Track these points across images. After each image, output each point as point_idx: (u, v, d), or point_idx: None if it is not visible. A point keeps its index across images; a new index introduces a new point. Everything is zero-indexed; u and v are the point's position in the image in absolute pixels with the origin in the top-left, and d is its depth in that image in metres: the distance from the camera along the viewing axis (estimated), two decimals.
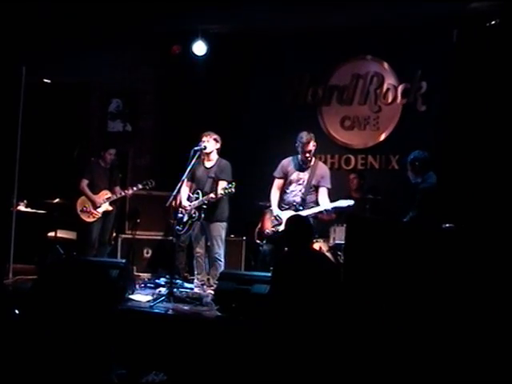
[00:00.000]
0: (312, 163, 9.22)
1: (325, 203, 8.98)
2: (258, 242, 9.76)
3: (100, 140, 12.33)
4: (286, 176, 9.26)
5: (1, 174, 10.56)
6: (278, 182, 9.33)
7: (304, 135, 9.09)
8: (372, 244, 6.35)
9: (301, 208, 8.98)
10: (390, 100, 11.26)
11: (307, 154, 9.10)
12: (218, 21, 11.38)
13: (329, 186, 9.12)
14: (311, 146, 9.09)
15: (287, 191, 9.21)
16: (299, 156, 9.17)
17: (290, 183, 9.20)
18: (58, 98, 12.51)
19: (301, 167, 9.20)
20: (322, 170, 9.26)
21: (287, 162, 9.31)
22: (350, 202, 8.96)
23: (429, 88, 10.87)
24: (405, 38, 10.74)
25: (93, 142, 12.50)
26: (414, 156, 8.68)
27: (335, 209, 9.15)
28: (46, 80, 12.45)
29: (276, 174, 9.35)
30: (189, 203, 9.40)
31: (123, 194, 10.58)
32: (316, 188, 9.10)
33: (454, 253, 5.97)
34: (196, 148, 9.24)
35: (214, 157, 9.50)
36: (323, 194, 9.05)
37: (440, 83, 10.17)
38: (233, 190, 8.91)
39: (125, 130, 12.69)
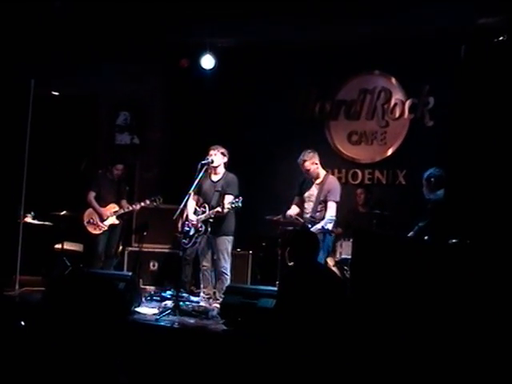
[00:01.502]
0: (321, 179, 9.24)
1: (324, 219, 8.99)
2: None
3: (108, 153, 12.36)
4: (301, 193, 9.31)
5: (8, 186, 10.59)
6: (295, 199, 9.45)
7: (301, 155, 9.22)
8: (378, 259, 6.34)
9: (309, 226, 9.00)
10: (397, 115, 11.27)
11: (307, 173, 9.19)
12: (226, 35, 11.42)
13: (336, 200, 9.13)
14: (307, 166, 9.14)
15: (304, 209, 9.25)
16: None
17: (305, 201, 9.25)
18: (65, 111, 12.54)
19: (312, 184, 9.24)
20: (331, 184, 9.25)
21: (301, 179, 9.36)
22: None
23: (436, 103, 10.88)
24: (412, 53, 10.75)
25: (100, 154, 12.53)
26: (430, 173, 8.67)
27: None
28: (54, 92, 12.50)
29: (295, 191, 9.43)
30: (195, 217, 9.38)
31: (131, 208, 10.59)
32: (325, 203, 9.10)
33: (460, 268, 5.96)
34: (203, 162, 9.25)
35: (221, 170, 9.50)
36: (329, 208, 9.05)
37: (447, 99, 10.14)
38: (239, 204, 8.91)
39: (132, 142, 12.71)
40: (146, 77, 12.24)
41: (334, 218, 9.07)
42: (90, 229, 10.56)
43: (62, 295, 4.11)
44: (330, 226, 8.98)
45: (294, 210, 9.45)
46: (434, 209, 8.33)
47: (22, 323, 4.48)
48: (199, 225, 9.30)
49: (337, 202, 9.12)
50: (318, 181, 9.23)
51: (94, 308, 3.97)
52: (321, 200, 9.10)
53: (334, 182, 9.34)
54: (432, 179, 8.62)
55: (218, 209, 9.11)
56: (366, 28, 10.49)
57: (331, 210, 9.02)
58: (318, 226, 8.94)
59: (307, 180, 9.32)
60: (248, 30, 11.06)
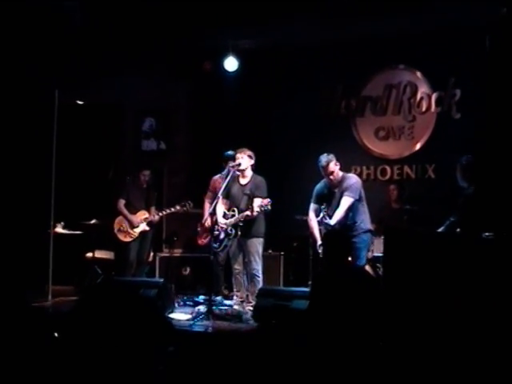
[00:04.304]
0: (339, 179, 8.99)
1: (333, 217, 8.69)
2: None
3: (135, 159, 12.37)
4: (322, 200, 9.02)
5: (38, 197, 10.62)
6: (312, 206, 9.04)
7: (322, 158, 8.78)
8: (410, 255, 6.28)
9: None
10: (423, 109, 11.17)
11: (331, 177, 8.82)
12: (249, 36, 11.38)
13: (352, 195, 8.69)
14: (331, 168, 8.78)
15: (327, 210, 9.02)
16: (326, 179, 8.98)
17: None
18: (91, 119, 12.56)
19: (332, 187, 8.96)
20: (348, 181, 8.83)
21: (319, 187, 9.07)
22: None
23: (463, 95, 10.76)
24: (437, 45, 10.65)
25: (127, 161, 12.53)
26: (469, 161, 8.41)
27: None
28: (78, 101, 12.52)
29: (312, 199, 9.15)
30: (225, 221, 9.32)
31: (158, 216, 10.58)
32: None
33: (494, 263, 5.88)
34: (230, 165, 9.21)
35: (249, 173, 9.41)
36: (342, 203, 8.69)
37: (474, 90, 10.05)
38: (269, 207, 8.83)
39: (159, 148, 12.73)
40: (170, 82, 12.23)
41: (341, 215, 8.63)
42: (121, 236, 10.56)
43: (95, 304, 4.10)
44: (331, 222, 8.53)
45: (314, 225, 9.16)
46: (466, 202, 8.20)
47: (56, 334, 4.46)
48: (229, 228, 9.24)
49: (355, 199, 8.71)
50: (338, 182, 8.88)
51: (126, 316, 3.95)
52: (339, 199, 8.81)
53: (351, 180, 8.88)
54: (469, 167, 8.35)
55: (248, 212, 9.03)
56: (389, 23, 10.40)
57: (343, 205, 8.64)
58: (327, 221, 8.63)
59: (326, 186, 9.12)
60: (270, 30, 11.00)
